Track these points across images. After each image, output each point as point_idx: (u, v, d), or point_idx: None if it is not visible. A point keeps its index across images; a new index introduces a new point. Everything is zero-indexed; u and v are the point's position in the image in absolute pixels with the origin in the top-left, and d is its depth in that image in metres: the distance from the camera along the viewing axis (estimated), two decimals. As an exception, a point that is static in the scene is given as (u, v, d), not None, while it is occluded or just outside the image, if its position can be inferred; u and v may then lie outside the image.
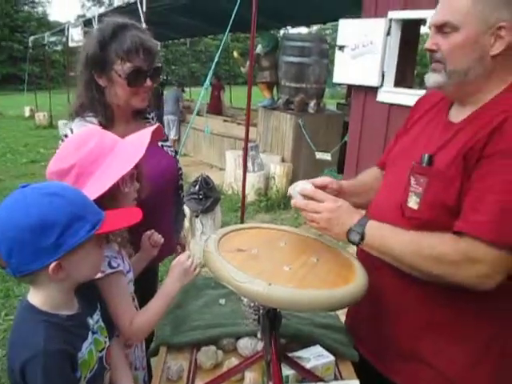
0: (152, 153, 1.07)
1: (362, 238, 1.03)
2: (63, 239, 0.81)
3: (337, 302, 0.90)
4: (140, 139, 1.03)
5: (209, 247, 1.01)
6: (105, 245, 1.01)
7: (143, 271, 1.24)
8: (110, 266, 1.02)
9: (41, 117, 11.58)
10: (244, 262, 0.97)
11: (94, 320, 0.96)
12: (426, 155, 1.03)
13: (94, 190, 0.95)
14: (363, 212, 1.08)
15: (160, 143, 1.46)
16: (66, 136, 1.31)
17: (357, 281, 0.97)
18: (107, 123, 1.28)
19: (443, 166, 1.00)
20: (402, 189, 1.07)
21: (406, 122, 1.29)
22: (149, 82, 1.31)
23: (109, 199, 0.97)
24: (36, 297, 0.88)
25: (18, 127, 11.16)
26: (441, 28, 1.02)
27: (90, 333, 0.93)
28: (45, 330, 0.84)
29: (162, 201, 1.33)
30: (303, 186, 1.12)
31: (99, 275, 0.99)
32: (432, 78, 1.05)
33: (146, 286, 1.10)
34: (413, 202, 1.03)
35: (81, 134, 1.06)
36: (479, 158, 0.95)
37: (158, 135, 1.17)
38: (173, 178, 1.50)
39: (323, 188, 1.18)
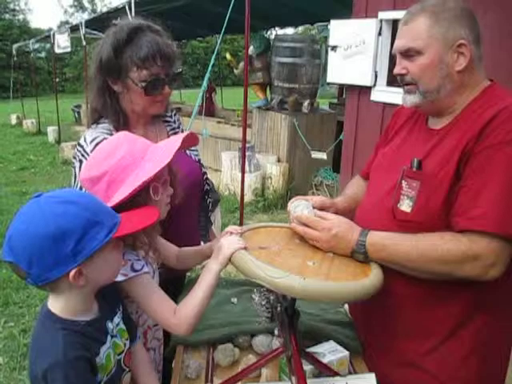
0: (176, 157, 1.05)
1: (366, 255, 1.06)
2: (82, 245, 0.81)
3: (365, 291, 0.93)
4: (168, 146, 1.00)
5: None
6: (125, 249, 1.00)
7: (170, 279, 1.20)
8: (132, 269, 1.00)
9: (29, 124, 11.44)
10: (271, 259, 0.99)
11: (115, 323, 0.97)
12: (416, 159, 1.07)
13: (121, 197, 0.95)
14: (359, 228, 1.09)
15: None
16: (79, 144, 1.27)
17: (375, 271, 1.01)
18: (122, 128, 1.22)
19: (433, 170, 1.04)
20: (392, 193, 1.11)
21: (385, 133, 1.34)
22: (167, 89, 1.25)
23: (139, 206, 0.96)
24: (55, 304, 0.89)
25: (5, 135, 10.95)
26: (405, 53, 1.08)
27: (108, 337, 0.93)
28: (63, 338, 0.84)
29: (185, 205, 1.23)
30: (301, 211, 1.13)
31: (122, 278, 0.98)
32: (409, 100, 1.11)
33: (173, 293, 1.06)
34: (405, 206, 1.07)
35: (111, 141, 1.04)
36: (469, 157, 0.99)
37: (192, 142, 1.13)
38: (196, 183, 1.45)
39: (322, 207, 1.22)
